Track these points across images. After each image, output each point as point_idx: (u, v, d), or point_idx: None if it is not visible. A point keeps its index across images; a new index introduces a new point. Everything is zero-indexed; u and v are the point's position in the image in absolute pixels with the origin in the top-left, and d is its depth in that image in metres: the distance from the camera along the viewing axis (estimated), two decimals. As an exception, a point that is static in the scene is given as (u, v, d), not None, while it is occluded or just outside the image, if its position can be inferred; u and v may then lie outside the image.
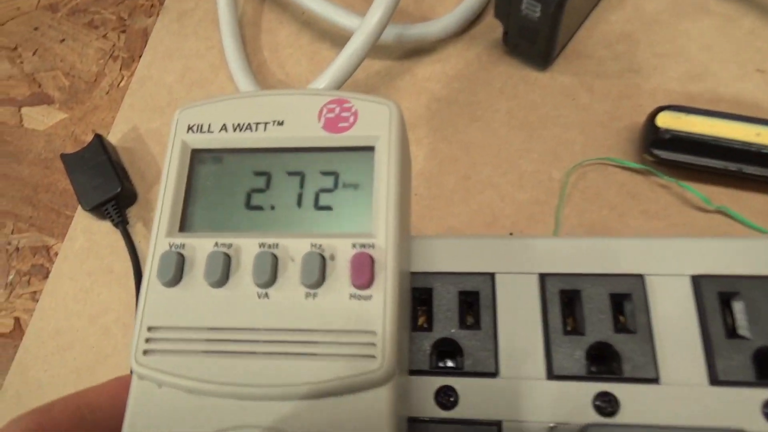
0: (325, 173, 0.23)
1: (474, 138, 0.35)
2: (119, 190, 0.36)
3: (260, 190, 0.23)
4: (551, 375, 0.25)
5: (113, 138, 0.39)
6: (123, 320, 0.34)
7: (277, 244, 0.21)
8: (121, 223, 0.36)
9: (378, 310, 0.20)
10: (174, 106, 0.38)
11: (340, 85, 0.33)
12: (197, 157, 0.23)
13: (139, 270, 0.35)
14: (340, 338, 0.20)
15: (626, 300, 0.26)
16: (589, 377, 0.25)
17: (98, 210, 0.36)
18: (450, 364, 0.27)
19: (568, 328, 0.26)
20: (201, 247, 0.22)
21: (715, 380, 0.24)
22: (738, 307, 0.24)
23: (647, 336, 0.25)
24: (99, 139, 0.37)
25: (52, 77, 0.43)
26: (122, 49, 0.43)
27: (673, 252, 0.26)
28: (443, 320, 0.26)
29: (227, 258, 0.21)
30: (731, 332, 0.25)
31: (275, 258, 0.21)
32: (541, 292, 0.26)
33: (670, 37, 0.35)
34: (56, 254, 0.38)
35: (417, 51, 0.38)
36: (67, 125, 0.41)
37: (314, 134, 0.23)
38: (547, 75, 0.36)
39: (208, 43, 0.41)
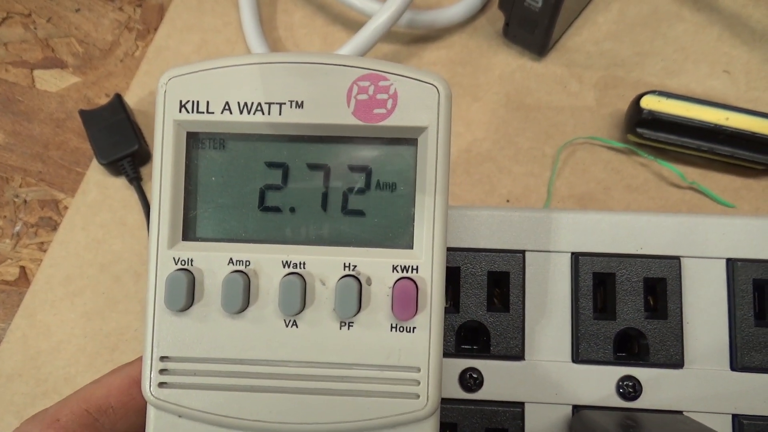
0: (355, 169, 0.19)
1: (475, 116, 0.38)
2: (137, 147, 0.37)
3: (276, 187, 0.19)
4: (577, 359, 0.25)
5: (129, 101, 0.40)
6: (135, 269, 0.36)
7: (303, 263, 0.19)
8: (136, 179, 0.37)
9: (422, 344, 0.18)
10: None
11: (361, 54, 0.35)
12: (194, 141, 0.19)
13: (152, 223, 0.36)
14: (379, 374, 0.18)
15: (659, 284, 0.25)
16: (614, 362, 0.25)
17: (114, 165, 0.37)
18: (474, 345, 0.26)
19: (598, 312, 0.25)
20: (213, 265, 0.19)
21: (735, 366, 0.24)
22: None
23: (678, 322, 0.25)
24: (118, 98, 0.38)
25: (66, 43, 0.44)
26: (138, 22, 0.45)
27: (710, 232, 0.25)
28: (471, 302, 0.25)
29: (246, 282, 0.18)
30: (759, 319, 0.24)
31: (303, 282, 0.18)
32: (573, 273, 0.25)
33: (649, 39, 0.40)
34: (65, 208, 0.38)
35: (424, 38, 0.41)
36: (80, 89, 0.42)
37: (342, 122, 0.18)
38: (542, 65, 0.39)
39: (225, 19, 0.43)
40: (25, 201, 0.39)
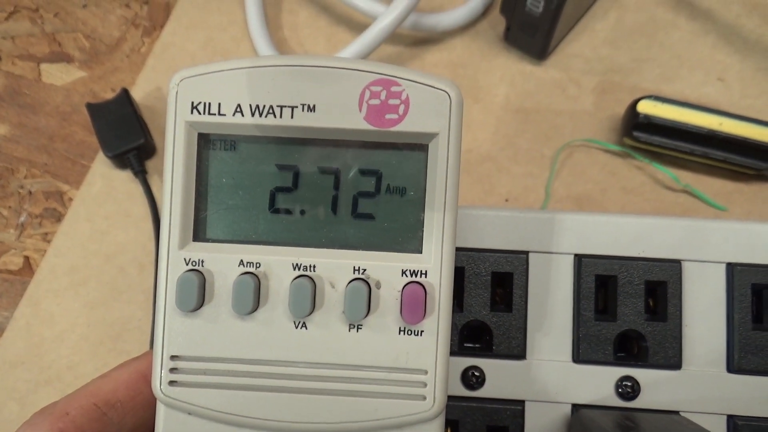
0: (366, 172, 0.19)
1: (475, 117, 0.39)
2: (143, 141, 0.38)
3: (286, 190, 0.19)
4: (577, 359, 0.25)
5: (135, 96, 0.41)
6: (139, 260, 0.36)
7: (314, 266, 0.19)
8: (142, 173, 0.38)
9: (430, 348, 0.19)
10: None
11: (366, 55, 0.36)
12: (205, 142, 0.19)
13: (157, 217, 0.37)
14: (387, 376, 0.19)
15: (660, 287, 0.26)
16: (614, 362, 0.25)
17: (119, 158, 0.38)
18: (476, 344, 0.26)
19: (599, 314, 0.26)
20: (223, 266, 0.19)
21: (732, 368, 0.25)
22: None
23: (677, 325, 0.25)
24: (125, 92, 0.39)
25: (73, 38, 0.45)
26: (144, 18, 0.45)
27: (712, 236, 0.25)
28: (474, 302, 0.26)
29: (257, 284, 0.19)
30: (757, 323, 0.25)
31: (313, 285, 0.19)
32: (576, 274, 0.26)
33: (646, 46, 0.41)
34: (70, 200, 0.39)
35: (426, 40, 0.42)
36: (86, 83, 0.43)
37: (354, 126, 0.18)
38: (541, 69, 0.40)
39: (231, 17, 0.44)
40: (30, 192, 0.40)
